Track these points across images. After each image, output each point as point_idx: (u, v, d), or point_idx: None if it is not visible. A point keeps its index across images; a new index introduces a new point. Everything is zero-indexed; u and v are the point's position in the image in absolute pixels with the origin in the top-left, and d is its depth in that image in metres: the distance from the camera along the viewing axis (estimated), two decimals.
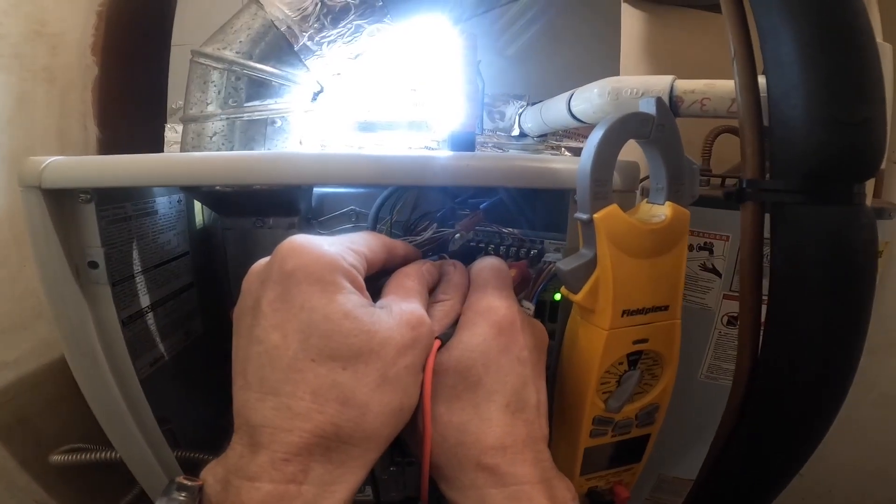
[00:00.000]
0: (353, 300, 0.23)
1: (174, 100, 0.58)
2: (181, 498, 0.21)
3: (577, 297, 0.29)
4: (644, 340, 0.30)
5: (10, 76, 0.54)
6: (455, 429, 0.24)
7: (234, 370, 0.24)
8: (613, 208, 0.27)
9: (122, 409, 0.39)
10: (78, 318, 0.34)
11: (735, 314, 0.78)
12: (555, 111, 0.48)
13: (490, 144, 0.49)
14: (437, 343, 0.26)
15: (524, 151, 0.50)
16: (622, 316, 0.28)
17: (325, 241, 0.24)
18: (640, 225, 0.28)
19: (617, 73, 0.61)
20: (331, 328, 0.22)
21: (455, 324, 0.27)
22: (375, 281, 0.29)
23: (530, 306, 0.34)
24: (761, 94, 0.27)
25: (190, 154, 0.30)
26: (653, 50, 1.04)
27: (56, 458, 0.52)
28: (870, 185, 0.87)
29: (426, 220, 0.41)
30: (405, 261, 0.30)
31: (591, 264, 0.28)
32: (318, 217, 0.49)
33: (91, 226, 0.33)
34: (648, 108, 0.28)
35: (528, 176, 0.31)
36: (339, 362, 0.22)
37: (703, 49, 1.07)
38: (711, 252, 0.79)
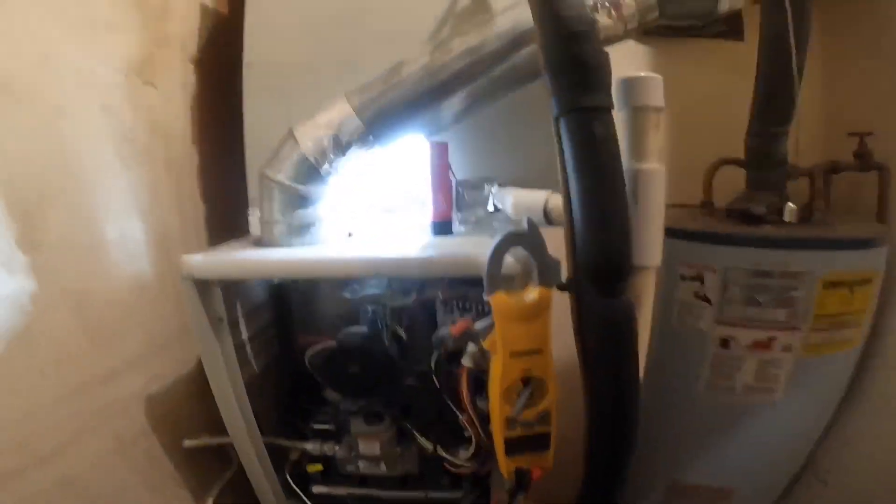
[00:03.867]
0: None
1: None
2: None
3: (485, 345, 0.52)
4: (528, 370, 0.52)
5: (142, 169, 0.84)
6: None
7: None
8: (500, 294, 0.50)
9: (234, 405, 0.69)
10: (214, 349, 0.64)
11: (726, 337, 0.95)
12: (505, 202, 0.71)
13: (473, 221, 0.73)
14: None
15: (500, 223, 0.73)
16: (510, 357, 0.52)
17: None
18: (517, 303, 0.51)
19: None
20: None
21: None
22: None
23: (474, 347, 0.58)
24: None
25: (272, 258, 0.59)
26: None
27: (188, 442, 0.84)
28: (867, 182, 0.94)
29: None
30: None
31: (492, 325, 0.52)
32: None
33: (219, 298, 0.63)
34: (526, 224, 0.51)
35: (460, 267, 0.55)
36: None
37: (712, 77, 1.19)
38: (702, 282, 0.96)
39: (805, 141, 1.09)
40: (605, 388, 0.48)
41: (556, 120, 0.47)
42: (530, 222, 0.51)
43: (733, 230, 0.95)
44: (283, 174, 0.68)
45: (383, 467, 0.74)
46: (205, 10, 1.02)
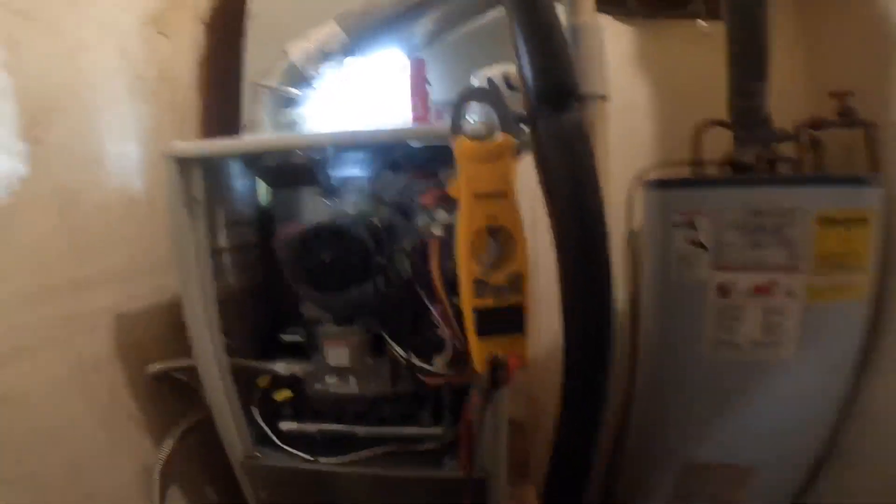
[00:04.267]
0: None
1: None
2: None
3: (450, 191, 0.53)
4: (495, 217, 0.52)
5: (149, 106, 0.91)
6: None
7: None
8: (461, 137, 0.52)
9: (200, 318, 0.68)
10: (185, 229, 0.65)
11: (725, 284, 0.92)
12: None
13: None
14: None
15: None
16: (475, 198, 0.51)
17: None
18: (478, 144, 0.52)
19: None
20: None
21: None
22: None
23: (446, 216, 0.58)
24: None
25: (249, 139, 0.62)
26: (644, 64, 1.24)
27: (151, 367, 0.81)
28: (859, 145, 0.93)
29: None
30: None
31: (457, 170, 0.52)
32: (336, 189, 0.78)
33: (198, 177, 0.65)
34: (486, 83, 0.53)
35: (429, 135, 0.57)
36: None
37: (697, 57, 1.24)
38: (694, 227, 0.94)
39: (790, 108, 1.11)
40: (565, 206, 0.48)
41: None
42: (490, 80, 0.54)
43: (722, 175, 0.96)
44: (273, 81, 0.73)
45: (353, 384, 0.70)
46: None
